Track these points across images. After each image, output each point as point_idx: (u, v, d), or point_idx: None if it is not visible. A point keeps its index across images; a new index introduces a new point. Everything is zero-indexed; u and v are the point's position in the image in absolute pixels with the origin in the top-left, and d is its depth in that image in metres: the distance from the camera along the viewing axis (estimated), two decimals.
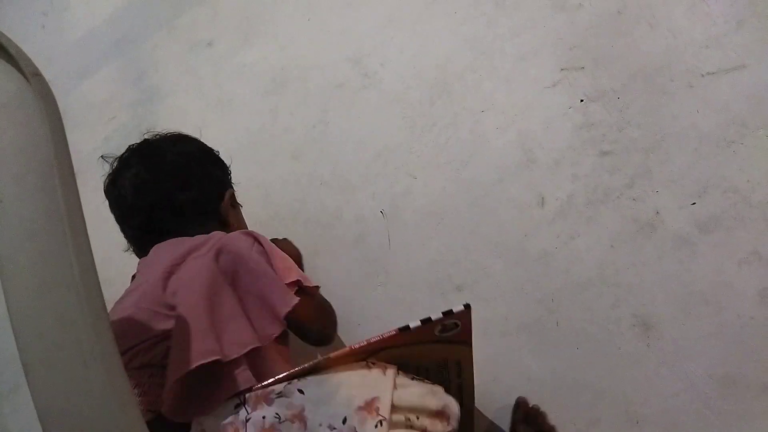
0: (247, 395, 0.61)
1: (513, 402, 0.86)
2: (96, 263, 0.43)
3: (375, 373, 0.64)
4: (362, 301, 1.02)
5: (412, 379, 0.67)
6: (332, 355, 0.63)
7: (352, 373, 0.63)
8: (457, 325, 0.67)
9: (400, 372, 0.66)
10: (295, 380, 0.62)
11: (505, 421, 0.86)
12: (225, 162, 0.97)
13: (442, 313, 0.64)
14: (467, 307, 0.65)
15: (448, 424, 0.66)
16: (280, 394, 0.60)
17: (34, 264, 0.40)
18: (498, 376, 0.88)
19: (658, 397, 0.78)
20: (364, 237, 1.04)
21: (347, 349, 0.64)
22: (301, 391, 0.61)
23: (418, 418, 0.63)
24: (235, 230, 0.84)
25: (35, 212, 0.41)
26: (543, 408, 0.81)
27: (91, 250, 0.43)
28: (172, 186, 0.84)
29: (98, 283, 0.42)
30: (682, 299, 0.78)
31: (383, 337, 0.64)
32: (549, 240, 0.88)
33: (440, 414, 0.65)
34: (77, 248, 0.41)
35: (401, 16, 1.09)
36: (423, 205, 0.99)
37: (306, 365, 0.63)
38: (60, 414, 0.39)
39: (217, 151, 0.97)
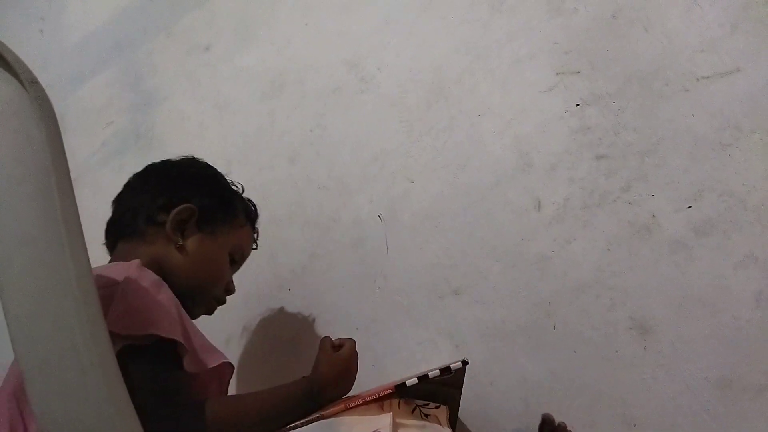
0: None
1: (510, 405, 0.86)
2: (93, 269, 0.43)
3: (372, 407, 0.63)
4: (360, 304, 1.02)
5: (413, 411, 0.65)
6: (325, 412, 0.63)
7: (349, 412, 0.63)
8: (451, 372, 0.67)
9: (401, 403, 0.65)
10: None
11: (502, 425, 0.86)
12: (215, 186, 0.89)
13: (440, 370, 0.65)
14: (464, 363, 0.67)
15: None
16: None
17: (31, 270, 0.40)
18: (494, 380, 0.88)
19: (655, 399, 0.78)
20: (361, 240, 1.04)
21: (341, 405, 0.64)
22: None
23: None
24: (193, 260, 0.81)
25: (32, 218, 0.41)
26: (540, 411, 0.81)
27: (88, 256, 0.43)
28: (123, 193, 0.87)
29: (95, 289, 0.42)
30: (679, 302, 0.78)
31: (379, 395, 0.63)
32: (546, 243, 0.88)
33: None
34: (74, 254, 0.41)
35: (397, 20, 1.09)
36: (420, 208, 0.99)
37: (298, 422, 0.63)
38: (58, 420, 0.39)
39: (234, 183, 0.93)
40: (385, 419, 0.61)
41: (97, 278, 0.63)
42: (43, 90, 0.43)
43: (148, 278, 0.71)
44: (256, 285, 1.11)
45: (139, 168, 0.91)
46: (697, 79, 0.82)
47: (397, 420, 0.62)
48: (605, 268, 0.83)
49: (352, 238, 1.05)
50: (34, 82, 0.42)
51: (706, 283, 0.77)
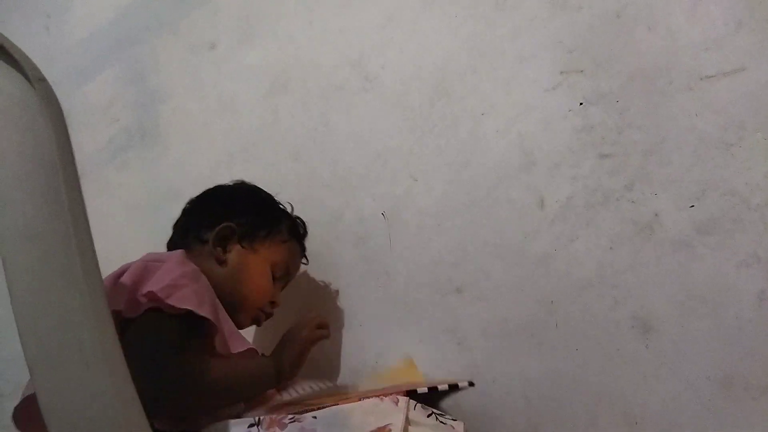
0: (261, 417, 0.62)
1: (512, 403, 0.86)
2: (99, 264, 0.43)
3: (387, 402, 0.65)
4: (363, 302, 1.02)
5: (429, 416, 0.67)
6: (340, 400, 0.65)
7: (364, 402, 0.64)
8: (458, 389, 0.74)
9: (417, 406, 0.67)
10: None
11: (502, 422, 0.87)
12: (257, 204, 0.96)
13: (449, 385, 0.76)
14: (471, 384, 0.78)
15: None
16: (293, 419, 0.62)
17: (38, 264, 0.41)
18: (497, 377, 0.88)
19: (657, 398, 0.78)
20: (364, 238, 1.04)
21: (355, 397, 0.66)
22: (314, 416, 0.62)
23: None
24: (234, 273, 0.87)
25: (39, 214, 0.41)
26: (542, 409, 0.81)
27: (94, 252, 0.43)
28: (180, 217, 0.95)
29: (102, 284, 0.43)
30: (681, 301, 0.78)
31: (391, 394, 0.67)
32: (548, 241, 0.88)
33: None
34: (81, 249, 0.42)
35: (401, 18, 1.09)
36: (423, 206, 1.00)
37: (314, 405, 0.64)
38: (64, 414, 0.39)
39: (281, 203, 0.99)
40: (398, 413, 0.62)
41: (147, 255, 0.80)
42: (51, 89, 0.44)
43: (190, 265, 0.80)
44: None
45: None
46: (702, 78, 0.82)
47: (411, 417, 0.64)
48: (608, 267, 0.84)
49: (356, 236, 1.05)
50: (42, 79, 0.42)
51: (708, 282, 0.77)
